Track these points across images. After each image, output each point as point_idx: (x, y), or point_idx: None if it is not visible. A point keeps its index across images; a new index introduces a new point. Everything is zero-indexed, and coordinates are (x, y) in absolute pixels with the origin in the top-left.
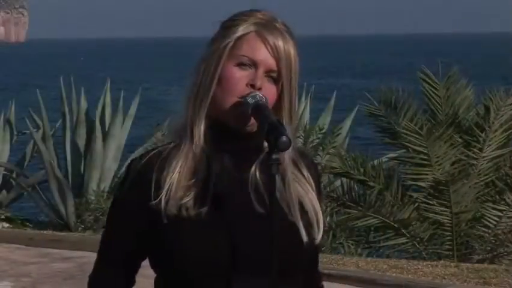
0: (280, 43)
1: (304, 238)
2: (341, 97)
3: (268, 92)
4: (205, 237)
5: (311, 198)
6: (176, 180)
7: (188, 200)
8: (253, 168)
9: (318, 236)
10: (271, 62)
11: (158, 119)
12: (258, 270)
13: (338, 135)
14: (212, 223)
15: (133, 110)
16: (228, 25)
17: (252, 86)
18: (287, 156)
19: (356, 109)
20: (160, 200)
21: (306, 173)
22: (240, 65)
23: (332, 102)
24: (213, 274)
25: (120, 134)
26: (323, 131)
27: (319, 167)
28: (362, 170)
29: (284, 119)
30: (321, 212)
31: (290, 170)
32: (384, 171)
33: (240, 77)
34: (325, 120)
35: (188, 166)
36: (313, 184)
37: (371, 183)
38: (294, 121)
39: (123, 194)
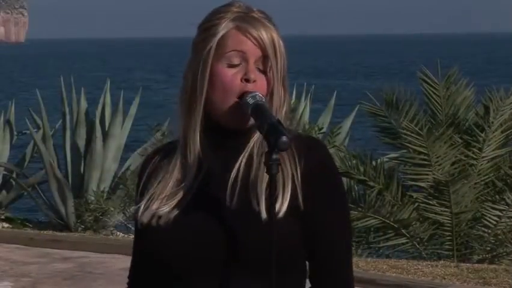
0: (263, 33)
1: (263, 215)
2: (342, 97)
3: (261, 84)
4: (168, 242)
5: (284, 175)
6: (159, 192)
7: (164, 209)
8: (237, 165)
9: (281, 208)
10: (258, 51)
11: (158, 120)
12: (235, 269)
13: (337, 135)
14: (178, 226)
15: (133, 110)
16: (207, 27)
17: (247, 80)
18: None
19: (356, 109)
20: (139, 208)
21: (292, 153)
22: (231, 66)
23: (332, 102)
24: (176, 277)
25: (120, 134)
26: (322, 130)
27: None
28: (362, 169)
29: (274, 104)
30: (288, 187)
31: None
32: (384, 171)
33: (232, 74)
34: (325, 120)
35: (176, 176)
36: (297, 163)
37: (371, 183)
38: (286, 105)
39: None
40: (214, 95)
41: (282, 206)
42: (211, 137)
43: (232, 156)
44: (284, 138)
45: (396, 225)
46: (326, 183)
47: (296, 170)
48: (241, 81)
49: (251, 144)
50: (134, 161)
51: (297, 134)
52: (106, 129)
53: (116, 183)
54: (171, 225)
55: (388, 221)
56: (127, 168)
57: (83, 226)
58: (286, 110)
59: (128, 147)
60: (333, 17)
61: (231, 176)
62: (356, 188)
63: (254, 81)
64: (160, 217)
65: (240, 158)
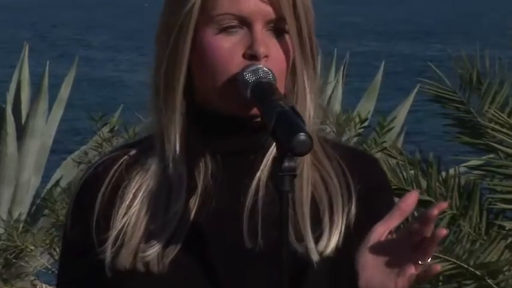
0: None
1: (315, 257)
2: (390, 71)
3: (277, 58)
4: None
5: (334, 202)
6: (134, 219)
7: (151, 252)
8: (254, 183)
9: (327, 245)
10: (268, 10)
11: (105, 107)
12: None
13: (389, 130)
14: (184, 278)
15: (65, 92)
16: None
17: (253, 56)
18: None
19: (415, 90)
20: (106, 248)
21: (344, 172)
22: (225, 29)
23: (378, 78)
24: None
25: (45, 129)
26: (366, 123)
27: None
28: (424, 185)
29: (298, 91)
30: (339, 217)
31: (308, 162)
32: (460, 188)
33: (230, 46)
34: (367, 107)
35: (155, 195)
36: (351, 187)
37: None
38: (313, 91)
39: (66, 225)
40: (200, 75)
41: (329, 243)
42: (204, 132)
43: (240, 166)
44: (302, 136)
45: (478, 272)
46: (382, 208)
47: (350, 197)
48: (243, 57)
49: (269, 155)
50: (68, 171)
51: (348, 147)
52: (23, 121)
53: (39, 206)
54: (170, 276)
55: (466, 265)
56: (56, 183)
57: None
58: (315, 99)
59: (58, 150)
60: None
61: (246, 204)
62: (415, 213)
63: (265, 56)
64: (147, 264)
65: (257, 176)
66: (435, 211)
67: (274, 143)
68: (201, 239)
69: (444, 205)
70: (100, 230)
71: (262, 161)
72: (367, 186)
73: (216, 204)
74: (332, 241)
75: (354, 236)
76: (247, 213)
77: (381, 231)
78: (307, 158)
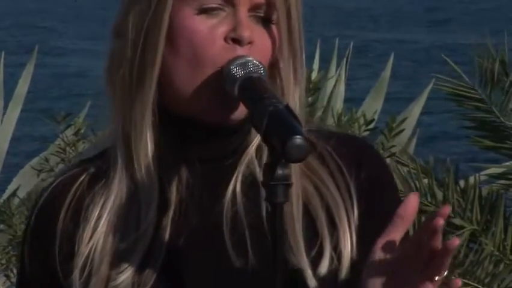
0: None
1: (312, 283)
2: (401, 64)
3: (262, 46)
4: None
5: (327, 200)
6: (102, 243)
7: (123, 278)
8: (229, 192)
9: (340, 268)
10: None
11: (68, 106)
12: None
13: (398, 133)
14: None
15: (22, 89)
16: None
17: (236, 40)
18: None
19: (430, 86)
20: (73, 279)
21: (337, 165)
22: (206, 10)
23: (387, 74)
24: None
25: (0, 131)
26: (372, 125)
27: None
28: (440, 196)
29: (283, 83)
30: (346, 228)
31: (297, 170)
32: (481, 200)
33: (210, 29)
34: (373, 106)
35: (123, 213)
36: (348, 182)
37: (458, 221)
38: (299, 83)
39: (22, 256)
40: (176, 64)
41: (341, 266)
42: (177, 137)
43: (216, 174)
44: (298, 139)
45: None
46: (389, 203)
47: (350, 198)
48: (225, 41)
49: (251, 151)
50: (26, 181)
51: (337, 134)
52: None
53: None
54: None
55: None
56: (13, 193)
57: None
58: (301, 95)
59: (16, 158)
60: None
61: (224, 215)
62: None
63: (250, 42)
64: None
65: (231, 184)
66: (440, 220)
67: (250, 145)
68: (181, 260)
69: (447, 210)
70: (64, 258)
71: (236, 167)
72: (366, 180)
73: (194, 219)
74: (343, 263)
75: (360, 244)
76: (229, 226)
77: (384, 246)
78: (293, 165)
